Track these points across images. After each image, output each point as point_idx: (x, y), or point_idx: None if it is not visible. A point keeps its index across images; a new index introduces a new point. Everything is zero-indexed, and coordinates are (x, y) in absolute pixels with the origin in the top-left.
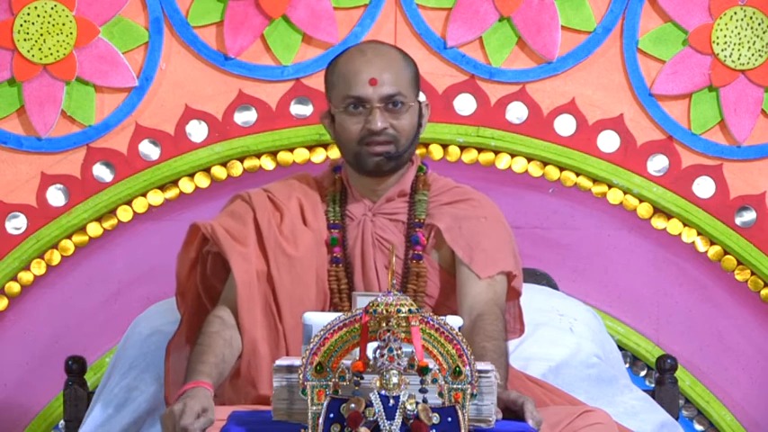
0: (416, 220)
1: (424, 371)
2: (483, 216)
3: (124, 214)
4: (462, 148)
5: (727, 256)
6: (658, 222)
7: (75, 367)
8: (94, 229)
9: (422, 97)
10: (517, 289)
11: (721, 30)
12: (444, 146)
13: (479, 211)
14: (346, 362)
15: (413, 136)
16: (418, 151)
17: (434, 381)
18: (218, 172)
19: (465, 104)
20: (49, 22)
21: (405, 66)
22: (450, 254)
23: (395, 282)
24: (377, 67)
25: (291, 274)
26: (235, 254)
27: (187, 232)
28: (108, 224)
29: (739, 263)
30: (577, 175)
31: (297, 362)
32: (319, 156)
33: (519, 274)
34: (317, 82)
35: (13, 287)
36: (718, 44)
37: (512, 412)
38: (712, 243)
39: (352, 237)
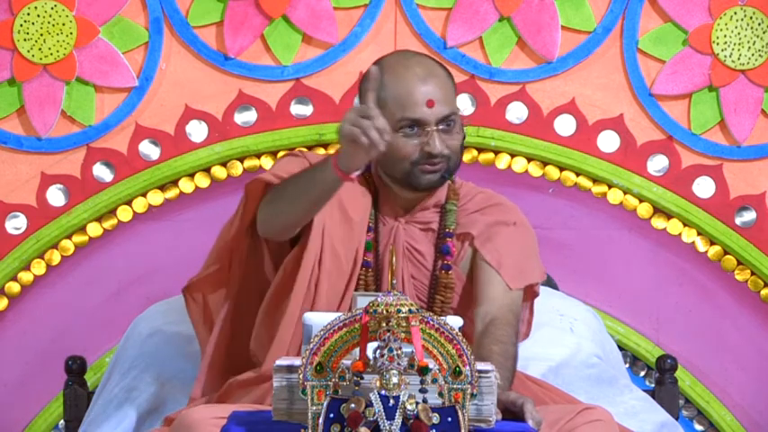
0: (447, 230)
1: (424, 371)
2: (512, 221)
3: (124, 214)
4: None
5: (727, 256)
6: (658, 222)
7: (75, 367)
8: (94, 229)
9: None
10: (536, 291)
11: (721, 30)
12: None
13: (508, 216)
14: (346, 362)
15: (461, 149)
16: None
17: (434, 381)
18: (218, 172)
19: (465, 104)
20: (49, 22)
21: (448, 79)
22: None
23: (395, 282)
24: (432, 87)
25: (341, 228)
26: None
27: (247, 189)
28: (108, 224)
29: (739, 263)
30: (577, 175)
31: (297, 362)
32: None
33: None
34: (316, 82)
35: (13, 287)
36: (718, 44)
37: (511, 413)
38: (712, 243)
39: (383, 243)
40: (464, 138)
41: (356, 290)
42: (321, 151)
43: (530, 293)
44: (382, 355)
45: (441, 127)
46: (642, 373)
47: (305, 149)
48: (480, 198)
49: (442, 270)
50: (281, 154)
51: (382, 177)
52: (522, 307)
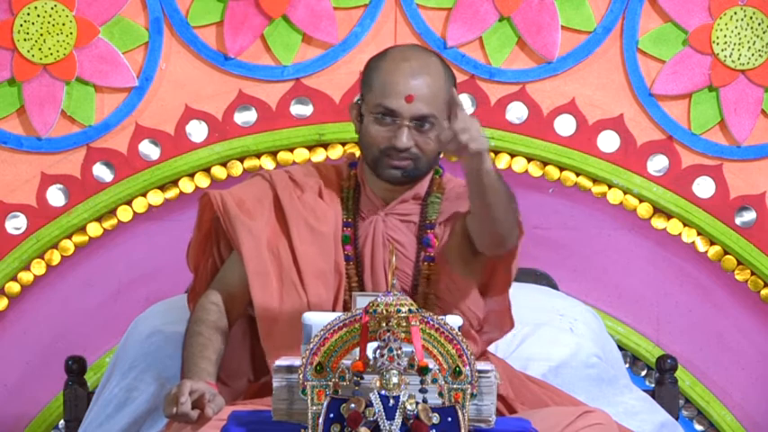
0: (428, 222)
1: (424, 371)
2: None
3: (124, 214)
4: None
5: (727, 256)
6: (658, 222)
7: (75, 367)
8: (94, 229)
9: None
10: (511, 274)
11: (721, 30)
12: None
13: None
14: (346, 362)
15: (436, 154)
16: None
17: (434, 381)
18: (218, 172)
19: (465, 104)
20: (49, 22)
21: (445, 82)
22: (461, 237)
23: (395, 282)
24: (418, 83)
25: (315, 246)
26: (243, 229)
27: (199, 203)
28: (108, 224)
29: (739, 263)
30: (577, 175)
31: (297, 362)
32: (319, 156)
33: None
34: (317, 82)
35: (13, 287)
36: (718, 44)
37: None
38: (712, 243)
39: (362, 235)
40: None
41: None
42: (321, 151)
43: (503, 282)
44: (382, 355)
45: (414, 124)
46: (642, 373)
47: (270, 172)
48: (465, 190)
49: (424, 262)
50: (280, 155)
51: (365, 169)
52: (497, 301)
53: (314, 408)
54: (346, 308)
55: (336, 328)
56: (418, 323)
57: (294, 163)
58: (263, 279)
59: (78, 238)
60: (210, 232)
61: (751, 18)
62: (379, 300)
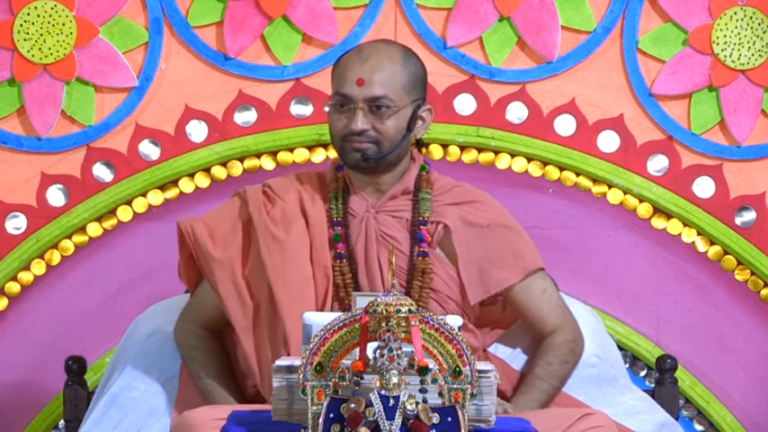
0: (420, 218)
1: (424, 371)
2: (486, 223)
3: (124, 214)
4: (462, 148)
5: (727, 256)
6: (658, 222)
7: (75, 367)
8: (94, 229)
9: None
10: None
11: (721, 30)
12: (444, 146)
13: (483, 216)
14: (346, 362)
15: (399, 139)
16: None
17: (434, 381)
18: (218, 172)
19: (465, 104)
20: (49, 22)
21: (403, 68)
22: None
23: (395, 282)
24: (368, 68)
25: (282, 257)
26: (217, 268)
27: (177, 231)
28: (108, 224)
29: (739, 263)
30: (577, 175)
31: (297, 362)
32: (319, 156)
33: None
34: (317, 82)
35: (13, 287)
36: (718, 44)
37: None
38: (712, 243)
39: (354, 233)
40: (410, 127)
41: (334, 281)
42: (321, 151)
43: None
44: (382, 355)
45: (368, 106)
46: (642, 373)
47: (246, 188)
48: (457, 191)
49: (418, 257)
50: (280, 155)
51: (350, 173)
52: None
53: (314, 408)
54: (342, 308)
55: (336, 328)
56: (418, 323)
57: (294, 163)
58: (244, 313)
59: (78, 238)
60: (192, 255)
61: (751, 18)
62: (379, 300)
